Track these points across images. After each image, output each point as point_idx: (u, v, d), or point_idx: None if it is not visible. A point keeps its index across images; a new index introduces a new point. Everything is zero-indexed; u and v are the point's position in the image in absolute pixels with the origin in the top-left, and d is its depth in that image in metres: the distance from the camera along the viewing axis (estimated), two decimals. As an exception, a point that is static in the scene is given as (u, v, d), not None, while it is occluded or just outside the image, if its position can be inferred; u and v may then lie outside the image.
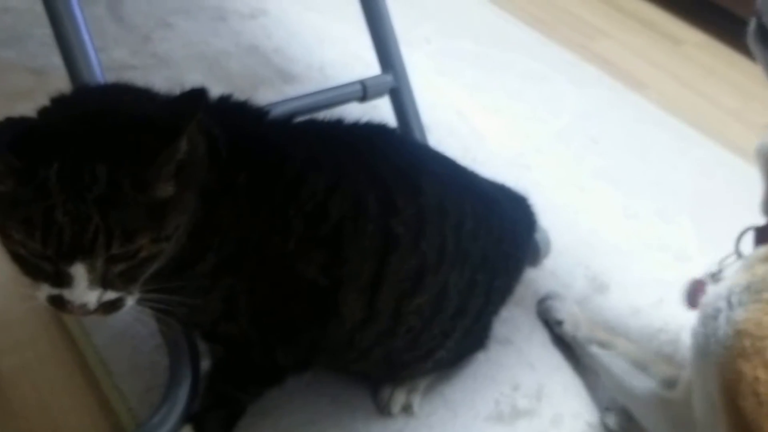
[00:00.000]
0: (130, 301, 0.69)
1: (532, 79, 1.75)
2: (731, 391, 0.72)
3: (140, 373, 0.98)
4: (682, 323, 1.11)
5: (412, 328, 0.88)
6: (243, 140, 0.78)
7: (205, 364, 0.94)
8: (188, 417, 0.91)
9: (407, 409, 1.00)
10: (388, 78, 1.24)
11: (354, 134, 0.89)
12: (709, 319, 0.77)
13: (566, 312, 1.12)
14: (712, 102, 1.80)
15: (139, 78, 0.77)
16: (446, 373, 1.04)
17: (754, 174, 0.88)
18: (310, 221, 0.80)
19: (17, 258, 0.66)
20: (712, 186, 1.49)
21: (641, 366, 0.96)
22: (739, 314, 0.74)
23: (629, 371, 0.97)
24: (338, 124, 0.89)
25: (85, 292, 0.65)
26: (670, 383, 0.90)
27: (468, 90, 1.67)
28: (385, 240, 0.83)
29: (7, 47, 1.48)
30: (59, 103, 0.70)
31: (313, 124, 0.91)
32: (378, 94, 1.23)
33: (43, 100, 0.69)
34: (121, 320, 1.00)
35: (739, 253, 0.86)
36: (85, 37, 0.87)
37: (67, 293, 0.65)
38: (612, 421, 1.01)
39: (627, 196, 1.44)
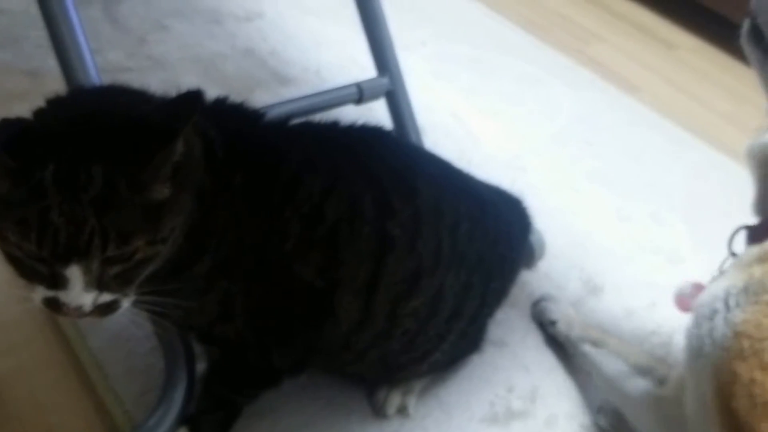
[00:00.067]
0: (126, 303, 0.69)
1: (527, 82, 1.76)
2: (725, 393, 0.72)
3: (136, 375, 0.97)
4: (674, 326, 1.12)
5: (408, 330, 0.89)
6: (239, 142, 0.78)
7: (201, 367, 0.94)
8: (184, 419, 0.91)
9: (402, 410, 1.00)
10: (384, 81, 1.24)
11: (350, 136, 0.90)
12: (704, 320, 0.77)
13: (560, 312, 1.13)
14: (705, 105, 1.82)
15: (134, 80, 0.77)
16: (441, 374, 1.04)
17: (747, 177, 0.88)
18: (306, 223, 0.80)
19: (12, 260, 0.65)
20: (705, 189, 1.50)
21: (633, 364, 0.96)
22: (738, 316, 0.74)
23: (621, 370, 0.97)
24: (334, 127, 0.90)
25: (80, 294, 0.64)
26: (661, 382, 0.90)
27: (464, 93, 1.68)
28: (381, 242, 0.83)
29: (3, 49, 1.48)
30: (55, 104, 0.70)
31: (309, 126, 0.92)
32: (374, 97, 1.24)
33: (39, 102, 0.69)
34: (117, 322, 1.00)
35: (732, 253, 0.86)
36: (81, 38, 0.87)
37: (62, 295, 0.65)
38: (605, 421, 1.02)
39: (621, 198, 1.44)
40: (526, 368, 1.09)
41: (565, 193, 1.43)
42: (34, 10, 0.89)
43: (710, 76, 1.92)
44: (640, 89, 1.83)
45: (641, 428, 0.93)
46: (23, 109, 0.68)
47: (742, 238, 0.86)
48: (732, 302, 0.75)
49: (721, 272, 0.84)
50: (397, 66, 1.25)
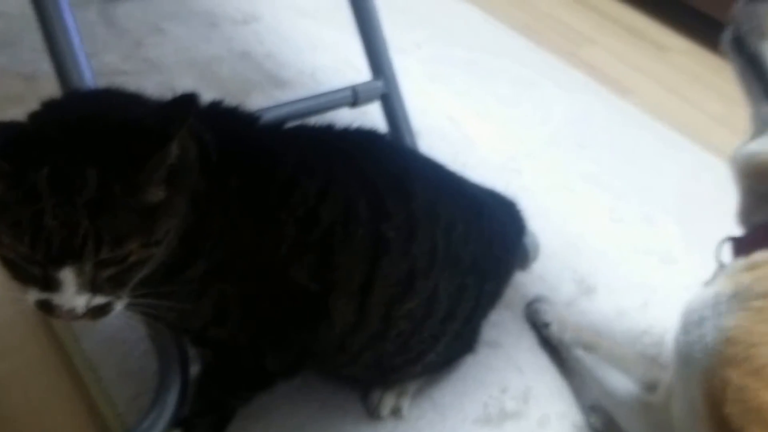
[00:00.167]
0: (119, 305, 0.68)
1: (521, 85, 1.77)
2: (716, 399, 0.73)
3: (129, 378, 0.97)
4: (666, 326, 1.13)
5: (403, 331, 0.89)
6: (234, 145, 0.78)
7: (195, 369, 0.94)
8: (177, 422, 0.91)
9: (396, 412, 1.00)
10: (379, 84, 1.25)
11: (345, 139, 0.90)
12: (693, 327, 0.78)
13: (553, 315, 1.13)
14: (696, 107, 1.83)
15: (130, 83, 0.77)
16: (436, 376, 1.04)
17: (736, 180, 0.89)
18: (301, 226, 0.80)
19: (6, 262, 0.65)
20: (697, 190, 1.51)
21: (624, 369, 0.97)
22: (728, 322, 0.74)
23: (612, 374, 0.98)
24: (329, 130, 0.90)
25: (73, 296, 0.64)
26: (651, 387, 0.91)
27: (458, 95, 1.69)
28: (376, 245, 0.83)
29: (-1, 52, 1.49)
30: (50, 107, 0.70)
31: (304, 129, 0.92)
32: (368, 100, 1.24)
33: (35, 105, 0.69)
34: (111, 325, 1.01)
35: (720, 263, 0.87)
36: (76, 42, 0.87)
37: (55, 298, 0.64)
38: (597, 420, 1.02)
39: (614, 200, 1.45)
40: (519, 369, 1.09)
41: (558, 195, 1.44)
42: (31, 13, 0.89)
43: (702, 78, 1.93)
44: (632, 91, 1.84)
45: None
46: (19, 112, 0.68)
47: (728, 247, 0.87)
48: (721, 309, 0.76)
49: (709, 280, 0.84)
50: (391, 69, 1.25)
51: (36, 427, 0.94)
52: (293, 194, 0.80)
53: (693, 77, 1.93)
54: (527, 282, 1.23)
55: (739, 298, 0.75)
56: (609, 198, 1.46)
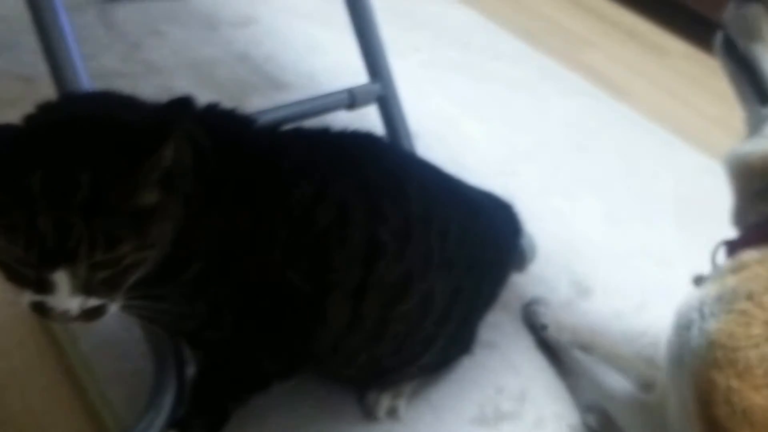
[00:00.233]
0: (113, 308, 0.69)
1: (519, 88, 1.77)
2: (705, 400, 0.73)
3: (126, 379, 0.97)
4: (663, 327, 1.12)
5: (398, 333, 0.89)
6: (229, 148, 0.79)
7: (191, 371, 0.94)
8: (173, 423, 0.91)
9: (393, 413, 1.00)
10: (376, 86, 1.25)
11: (341, 142, 0.90)
12: (682, 330, 0.79)
13: (550, 316, 1.14)
14: (695, 110, 1.83)
15: (129, 85, 0.77)
16: (432, 377, 1.05)
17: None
18: (296, 229, 0.81)
19: (2, 264, 0.66)
20: (694, 192, 1.52)
21: (621, 369, 0.97)
22: (712, 325, 0.75)
23: (609, 375, 0.98)
24: (325, 132, 0.90)
25: (67, 299, 0.65)
26: (647, 387, 0.91)
27: (456, 98, 1.69)
28: (371, 247, 0.83)
29: (-2, 55, 1.49)
30: (45, 110, 0.70)
31: (300, 132, 0.92)
32: (365, 103, 1.24)
33: (32, 108, 0.70)
34: (108, 327, 1.01)
35: (715, 267, 0.87)
36: (71, 45, 0.88)
37: (49, 300, 0.65)
38: (593, 420, 1.02)
39: (611, 202, 1.46)
40: (515, 370, 1.09)
41: (555, 197, 1.45)
42: (29, 16, 0.90)
43: (700, 81, 1.94)
44: (631, 95, 1.84)
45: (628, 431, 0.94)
46: (18, 114, 0.68)
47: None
48: (706, 311, 0.77)
49: (700, 283, 0.85)
50: (388, 71, 1.26)
51: (34, 427, 0.94)
52: (289, 197, 0.81)
53: (692, 80, 1.94)
54: (524, 284, 1.24)
55: (724, 300, 0.76)
56: (606, 200, 1.46)
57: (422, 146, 1.39)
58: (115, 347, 1.01)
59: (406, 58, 1.74)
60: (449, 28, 1.97)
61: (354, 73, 1.27)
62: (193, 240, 0.74)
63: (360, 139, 0.92)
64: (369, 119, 1.29)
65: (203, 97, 0.80)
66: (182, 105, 0.69)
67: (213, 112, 0.82)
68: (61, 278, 0.64)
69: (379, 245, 0.84)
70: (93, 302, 0.66)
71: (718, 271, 0.83)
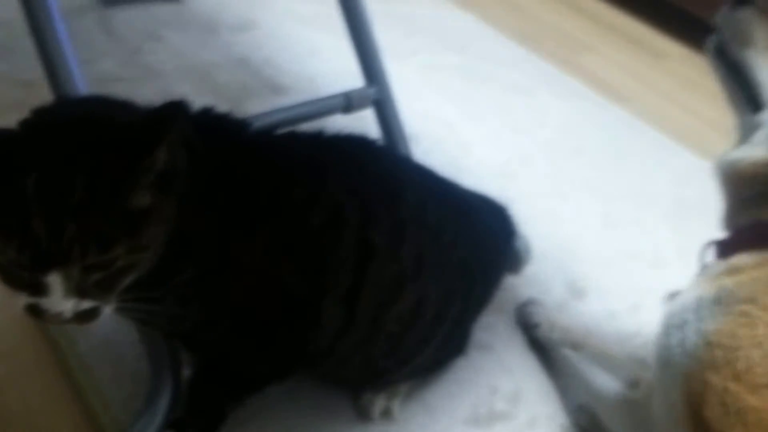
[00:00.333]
0: (107, 310, 0.69)
1: (517, 92, 1.78)
2: (696, 401, 0.73)
3: (123, 380, 0.98)
4: (656, 328, 1.13)
5: (392, 334, 0.90)
6: (223, 152, 0.79)
7: (187, 372, 0.95)
8: (169, 424, 0.92)
9: (387, 414, 1.01)
10: (372, 90, 1.26)
11: (335, 145, 0.91)
12: (674, 330, 0.79)
13: (542, 316, 1.14)
14: (693, 113, 1.83)
15: (127, 90, 0.78)
16: (426, 378, 1.05)
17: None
18: (290, 231, 0.82)
19: (-2, 267, 0.67)
20: (690, 195, 1.52)
21: (609, 367, 0.98)
22: (710, 326, 0.75)
23: (597, 372, 0.98)
24: (319, 136, 0.91)
25: (60, 301, 0.65)
26: (633, 384, 0.92)
27: (454, 102, 1.70)
28: (364, 249, 0.84)
29: (-1, 59, 1.50)
30: (40, 114, 0.71)
31: (295, 135, 0.93)
32: (361, 106, 1.25)
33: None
34: (106, 328, 1.02)
35: (704, 266, 0.87)
36: (67, 49, 0.89)
37: (43, 302, 0.66)
38: (584, 419, 1.03)
39: (607, 204, 1.46)
40: (509, 371, 1.10)
41: (552, 200, 1.45)
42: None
43: (699, 85, 1.94)
44: (629, 99, 1.84)
45: (614, 429, 0.95)
46: (18, 119, 0.69)
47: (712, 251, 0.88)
48: (703, 312, 0.76)
49: (691, 283, 0.85)
50: (384, 75, 1.27)
51: (32, 427, 0.95)
52: (282, 199, 0.82)
53: (689, 83, 1.94)
54: (519, 285, 1.24)
55: (722, 302, 0.76)
56: (602, 203, 1.47)
57: (420, 149, 1.40)
58: (112, 349, 1.02)
59: (404, 62, 1.75)
60: (448, 32, 1.98)
61: (353, 78, 1.28)
62: (188, 243, 0.75)
63: (354, 142, 0.93)
64: (366, 123, 1.30)
65: (203, 101, 0.81)
66: (175, 108, 0.69)
67: (207, 115, 0.83)
68: (55, 280, 0.64)
69: (372, 247, 0.84)
70: (86, 304, 0.67)
71: (710, 272, 0.83)
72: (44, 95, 0.84)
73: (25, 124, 0.69)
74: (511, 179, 1.49)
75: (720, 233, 0.90)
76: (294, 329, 0.86)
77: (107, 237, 0.65)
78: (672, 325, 0.80)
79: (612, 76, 1.94)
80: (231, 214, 0.78)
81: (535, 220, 1.33)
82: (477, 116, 1.67)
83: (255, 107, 1.45)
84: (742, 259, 0.79)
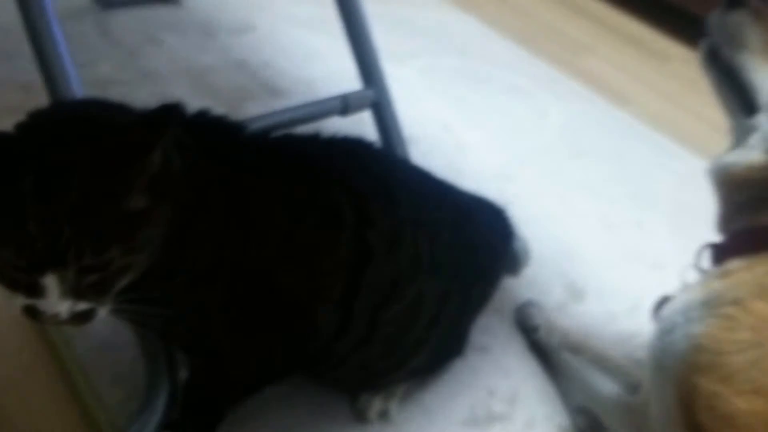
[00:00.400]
0: (102, 312, 0.70)
1: (517, 94, 1.78)
2: (688, 405, 0.73)
3: (121, 382, 0.99)
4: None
5: (388, 336, 0.90)
6: (219, 154, 0.79)
7: (184, 374, 0.95)
8: (166, 426, 0.92)
9: (384, 415, 1.01)
10: (369, 93, 1.26)
11: (330, 148, 0.91)
12: (665, 334, 0.79)
13: (542, 318, 1.14)
14: (695, 116, 1.83)
15: (125, 93, 0.78)
16: (424, 379, 1.05)
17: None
18: (285, 233, 0.82)
19: (-4, 269, 0.67)
20: (691, 197, 1.51)
21: (608, 371, 0.97)
22: (696, 329, 0.75)
23: (596, 376, 0.98)
24: (315, 138, 0.91)
25: (56, 302, 0.66)
26: (633, 388, 0.91)
27: (453, 104, 1.70)
28: (360, 251, 0.84)
29: (-2, 63, 1.51)
30: (36, 117, 0.71)
31: (290, 138, 0.93)
32: (359, 108, 1.25)
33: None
34: (103, 331, 1.03)
35: (699, 269, 0.87)
36: (63, 53, 0.89)
37: (40, 303, 0.66)
38: (583, 421, 1.03)
39: (606, 206, 1.46)
40: (507, 373, 1.10)
41: (551, 202, 1.45)
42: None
43: (701, 87, 1.92)
44: (630, 101, 1.84)
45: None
46: (16, 122, 0.69)
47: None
48: (691, 315, 0.76)
49: (685, 287, 0.85)
50: (382, 78, 1.27)
51: (29, 429, 0.95)
52: (278, 202, 0.82)
53: (691, 85, 1.93)
54: (517, 287, 1.24)
55: (709, 305, 0.76)
56: (601, 204, 1.46)
57: (419, 151, 1.40)
58: (109, 350, 1.02)
59: (403, 64, 1.75)
60: (447, 34, 1.98)
61: (352, 81, 1.28)
62: (183, 245, 0.75)
63: (350, 144, 0.93)
64: (364, 125, 1.30)
65: (200, 104, 0.81)
66: (171, 111, 0.69)
67: (204, 117, 0.83)
68: (51, 282, 0.65)
69: (368, 248, 0.84)
70: (82, 306, 0.67)
71: (703, 276, 0.83)
72: (42, 99, 0.84)
73: (21, 127, 0.69)
74: (510, 181, 1.48)
75: (717, 237, 0.90)
76: (290, 331, 0.86)
77: (103, 239, 0.65)
78: (663, 329, 0.80)
79: (613, 77, 1.94)
80: (226, 216, 0.78)
81: (534, 221, 1.33)
82: (476, 118, 1.67)
83: (253, 110, 1.45)
84: (734, 263, 0.79)
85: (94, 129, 0.69)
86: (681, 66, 2.02)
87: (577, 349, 1.05)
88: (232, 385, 0.92)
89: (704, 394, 0.72)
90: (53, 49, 0.88)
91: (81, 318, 0.68)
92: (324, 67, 1.69)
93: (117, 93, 0.79)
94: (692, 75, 1.98)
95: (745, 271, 0.77)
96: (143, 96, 0.78)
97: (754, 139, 0.84)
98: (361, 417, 1.01)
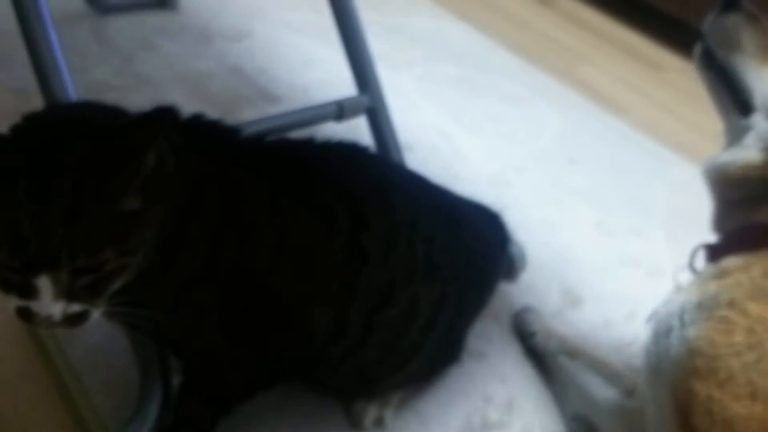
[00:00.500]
0: (96, 314, 0.70)
1: (513, 102, 1.78)
2: (684, 409, 0.73)
3: (114, 388, 0.98)
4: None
5: (384, 340, 0.89)
6: (213, 157, 0.80)
7: (177, 380, 0.94)
8: (159, 431, 0.91)
9: (379, 423, 1.00)
10: (364, 98, 1.26)
11: (325, 152, 0.91)
12: (661, 337, 0.78)
13: (539, 324, 1.14)
14: (690, 125, 1.83)
15: (120, 98, 0.78)
16: (419, 386, 1.05)
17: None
18: (280, 237, 0.81)
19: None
20: (687, 204, 1.51)
21: (604, 376, 0.97)
22: (692, 332, 0.75)
23: (593, 381, 0.98)
24: (310, 143, 0.91)
25: (50, 304, 0.66)
26: (629, 392, 0.91)
27: (450, 112, 1.70)
28: (355, 254, 0.84)
29: (-8, 68, 1.50)
30: (30, 120, 0.71)
31: (285, 142, 0.93)
32: (354, 114, 1.25)
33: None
34: (96, 336, 1.02)
35: (693, 270, 0.87)
36: (59, 57, 0.89)
37: (33, 305, 0.66)
38: (579, 429, 1.02)
39: (603, 213, 1.46)
40: (503, 379, 1.09)
41: (547, 208, 1.45)
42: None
43: (696, 96, 1.93)
44: (626, 110, 1.85)
45: (610, 438, 0.94)
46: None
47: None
48: (686, 318, 0.76)
49: (679, 289, 0.85)
50: (377, 84, 1.27)
51: (22, 435, 0.95)
52: (272, 205, 0.81)
53: (687, 95, 1.94)
54: (514, 293, 1.24)
55: (704, 307, 0.75)
56: (598, 211, 1.46)
57: (416, 158, 1.40)
58: (102, 356, 1.01)
59: (401, 72, 1.75)
60: (444, 42, 1.99)
61: (347, 87, 1.28)
62: (177, 247, 0.75)
63: (345, 149, 0.93)
64: (361, 131, 1.30)
65: (195, 109, 0.81)
66: (164, 114, 0.69)
67: (198, 122, 0.83)
68: (44, 283, 0.65)
69: (363, 252, 0.84)
70: (76, 307, 0.67)
71: (700, 278, 0.82)
72: (37, 103, 0.84)
73: (15, 129, 0.69)
74: (507, 188, 1.49)
75: (712, 239, 0.90)
76: (285, 334, 0.85)
77: (96, 241, 0.65)
78: (659, 333, 0.79)
79: (609, 87, 1.95)
80: (220, 219, 0.78)
81: (531, 228, 1.33)
82: (473, 126, 1.67)
83: (248, 116, 1.45)
84: (730, 261, 0.79)
85: (88, 131, 0.69)
86: (676, 75, 2.03)
87: (574, 354, 1.05)
88: (225, 390, 0.91)
89: (701, 399, 0.71)
90: (49, 53, 0.89)
91: (74, 320, 0.68)
92: (319, 74, 1.70)
93: (112, 98, 0.78)
94: (687, 84, 2.00)
95: (740, 271, 0.77)
96: (138, 101, 0.77)
97: (750, 139, 0.84)
98: (356, 424, 1.00)
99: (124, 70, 1.58)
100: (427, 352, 0.95)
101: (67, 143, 0.67)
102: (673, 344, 0.76)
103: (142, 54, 1.65)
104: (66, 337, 1.01)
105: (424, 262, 0.90)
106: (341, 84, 1.59)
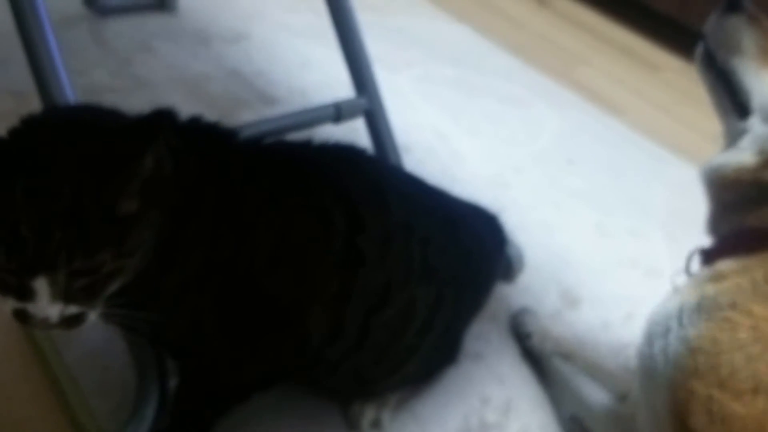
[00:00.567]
0: (93, 316, 0.70)
1: (512, 103, 1.78)
2: (681, 410, 0.73)
3: (110, 391, 0.98)
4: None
5: (380, 342, 0.89)
6: (212, 160, 0.80)
7: (174, 382, 0.94)
8: (156, 434, 0.91)
9: (377, 424, 1.00)
10: (362, 100, 1.26)
11: (322, 154, 0.91)
12: (657, 338, 0.78)
13: (535, 326, 1.14)
14: (688, 125, 1.84)
15: (118, 100, 0.78)
16: (416, 388, 1.05)
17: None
18: (277, 239, 0.81)
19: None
20: (685, 205, 1.51)
21: (599, 379, 0.97)
22: (692, 332, 0.75)
23: (587, 384, 0.98)
24: (307, 145, 0.91)
25: (47, 306, 0.66)
26: (622, 397, 0.91)
27: (448, 113, 1.70)
28: (351, 256, 0.84)
29: (-11, 70, 1.50)
30: (28, 123, 0.71)
31: (282, 144, 0.93)
32: (352, 116, 1.25)
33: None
34: (92, 338, 1.02)
35: (689, 273, 0.87)
36: (57, 59, 0.89)
37: (30, 307, 0.66)
38: (576, 430, 1.02)
39: (601, 214, 1.46)
40: (501, 381, 1.10)
41: (546, 209, 1.45)
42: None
43: (694, 97, 1.94)
44: (624, 111, 1.85)
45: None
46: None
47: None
48: (686, 319, 0.76)
49: (675, 290, 0.85)
50: (375, 86, 1.27)
51: (19, 438, 0.95)
52: (269, 207, 0.81)
53: (685, 96, 1.94)
54: (512, 294, 1.24)
55: (704, 308, 0.75)
56: (596, 212, 1.47)
57: (414, 160, 1.40)
58: (99, 359, 1.01)
59: (399, 73, 1.75)
60: (442, 44, 1.99)
61: (345, 89, 1.28)
62: (174, 250, 0.75)
63: (342, 151, 0.93)
64: (359, 133, 1.30)
65: (194, 111, 0.81)
66: (162, 117, 0.70)
67: (196, 124, 0.83)
68: (41, 285, 0.65)
69: (360, 254, 0.84)
70: (72, 309, 0.67)
71: (695, 280, 0.82)
72: (35, 106, 0.84)
73: (13, 132, 0.69)
74: (505, 189, 1.49)
75: (708, 240, 0.90)
76: (281, 336, 0.85)
77: (93, 243, 0.65)
78: (655, 334, 0.79)
79: (607, 88, 1.95)
80: (218, 221, 0.78)
81: (529, 229, 1.34)
82: (471, 127, 1.67)
83: (246, 118, 1.45)
84: (725, 264, 0.79)
85: (86, 133, 0.69)
86: (674, 76, 2.03)
87: (569, 356, 1.05)
88: (222, 392, 0.91)
89: (700, 399, 0.71)
90: (47, 55, 0.88)
91: (71, 322, 0.68)
92: (317, 76, 1.70)
93: (110, 100, 0.78)
94: (685, 85, 2.00)
95: (739, 274, 0.77)
96: (137, 103, 0.77)
97: (745, 141, 0.84)
98: (353, 426, 1.00)
99: (122, 73, 1.58)
100: (424, 353, 0.95)
101: (65, 146, 0.67)
102: (672, 345, 0.75)
103: (140, 56, 1.65)
104: (62, 339, 1.01)
105: (421, 264, 0.90)
106: (339, 86, 1.60)
